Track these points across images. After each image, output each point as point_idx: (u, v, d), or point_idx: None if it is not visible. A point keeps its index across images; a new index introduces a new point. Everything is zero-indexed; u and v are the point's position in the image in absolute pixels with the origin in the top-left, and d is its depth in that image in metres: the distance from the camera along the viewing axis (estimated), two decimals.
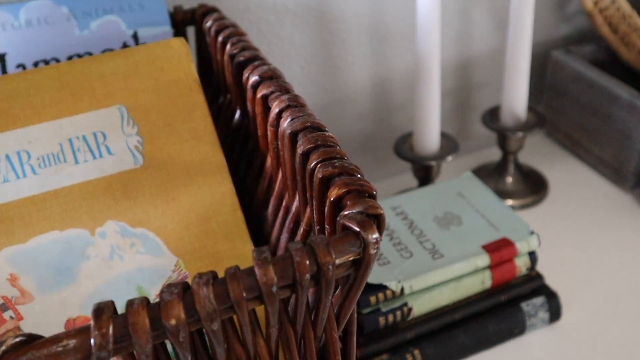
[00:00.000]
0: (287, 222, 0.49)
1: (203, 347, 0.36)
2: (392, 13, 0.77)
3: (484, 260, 0.59)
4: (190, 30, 0.64)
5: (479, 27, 0.83)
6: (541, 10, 0.85)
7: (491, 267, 0.60)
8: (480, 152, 0.87)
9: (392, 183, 0.83)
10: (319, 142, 0.42)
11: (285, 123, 0.45)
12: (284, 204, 0.50)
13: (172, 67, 0.51)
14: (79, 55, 0.57)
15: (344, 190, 0.38)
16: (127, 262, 0.48)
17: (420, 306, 0.58)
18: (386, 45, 0.79)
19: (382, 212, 0.37)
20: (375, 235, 0.36)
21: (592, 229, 0.74)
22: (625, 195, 0.78)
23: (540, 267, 0.68)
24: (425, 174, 0.73)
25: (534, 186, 0.79)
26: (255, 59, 0.52)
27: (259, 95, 0.49)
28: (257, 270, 0.34)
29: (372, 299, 0.56)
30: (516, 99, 0.74)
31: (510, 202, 0.78)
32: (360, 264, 0.36)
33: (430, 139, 0.71)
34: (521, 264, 0.61)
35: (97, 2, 0.57)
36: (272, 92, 0.48)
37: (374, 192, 0.38)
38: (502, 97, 0.75)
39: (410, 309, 0.58)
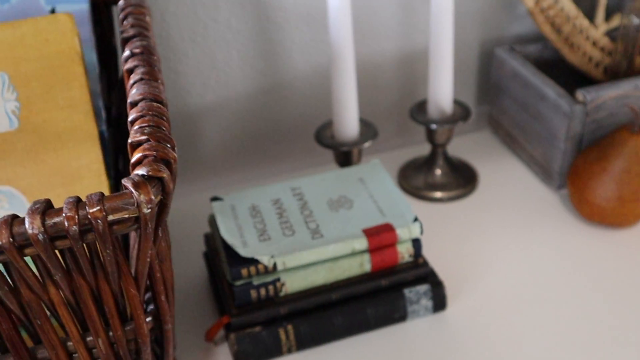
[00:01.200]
0: None
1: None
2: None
3: (362, 243, 0.60)
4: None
5: (425, 21, 0.84)
6: (491, 8, 0.85)
7: (370, 251, 0.61)
8: (422, 145, 0.88)
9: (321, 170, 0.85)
10: (144, 112, 0.45)
11: (129, 94, 0.48)
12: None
13: (57, 39, 0.55)
14: None
15: (140, 155, 0.41)
16: None
17: (293, 283, 0.60)
18: (325, 32, 0.81)
19: (164, 175, 0.39)
20: (149, 196, 0.38)
21: (511, 226, 0.74)
22: (553, 194, 0.78)
23: (449, 257, 0.69)
24: (344, 160, 0.74)
25: (463, 180, 0.80)
26: (137, 35, 0.55)
27: (125, 68, 0.52)
28: (27, 218, 0.37)
29: (244, 271, 0.59)
30: (441, 92, 0.74)
31: (438, 194, 0.78)
32: (140, 223, 0.39)
33: (348, 126, 0.73)
34: (403, 250, 0.62)
35: None
36: (135, 67, 0.52)
37: (171, 160, 0.41)
38: (428, 91, 0.75)
39: (283, 285, 0.60)
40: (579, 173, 0.71)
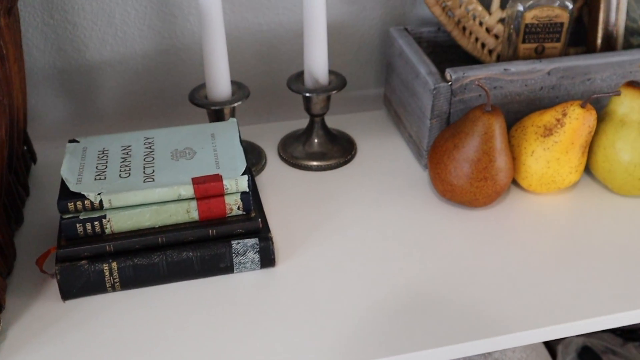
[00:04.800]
0: None
1: None
2: None
3: (188, 190, 0.62)
4: None
5: None
6: None
7: (197, 199, 0.63)
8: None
9: None
10: None
11: None
12: None
13: None
14: None
15: None
16: None
17: (119, 222, 0.63)
18: (223, 1, 0.83)
19: None
20: None
21: (374, 197, 0.75)
22: (422, 171, 0.79)
23: (301, 220, 0.71)
24: (217, 119, 0.77)
25: (341, 151, 0.81)
26: None
27: None
28: None
29: (71, 205, 0.61)
30: (315, 63, 0.76)
31: (315, 163, 0.80)
32: None
33: (219, 87, 0.75)
34: (232, 202, 0.64)
35: None
36: None
37: None
38: (303, 61, 0.77)
39: (109, 222, 0.62)
40: (435, 150, 0.72)
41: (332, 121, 0.88)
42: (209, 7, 0.71)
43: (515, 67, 0.74)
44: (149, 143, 0.69)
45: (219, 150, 0.67)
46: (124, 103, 0.87)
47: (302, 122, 0.88)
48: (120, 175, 0.64)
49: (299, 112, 0.93)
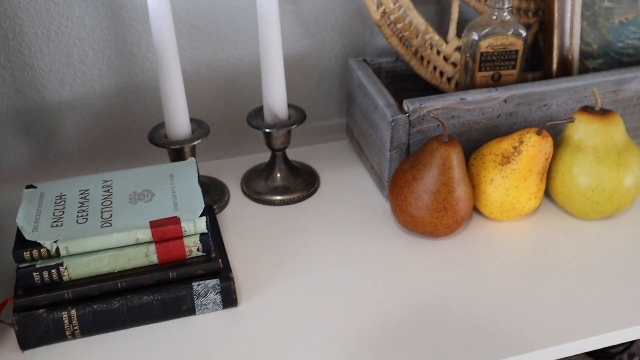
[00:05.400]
0: None
1: None
2: (182, 5, 0.82)
3: (146, 234, 0.62)
4: None
5: (283, 32, 0.86)
6: (352, 20, 0.87)
7: (156, 242, 0.63)
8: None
9: None
10: None
11: None
12: None
13: None
14: None
15: None
16: None
17: (77, 268, 0.62)
18: (182, 38, 0.83)
19: None
20: None
21: (337, 230, 0.75)
22: (385, 202, 0.79)
23: (264, 257, 0.71)
24: (178, 159, 0.76)
25: (303, 184, 0.81)
26: None
27: None
28: None
29: (27, 254, 0.61)
30: (274, 98, 0.76)
31: (278, 197, 0.80)
32: None
33: (178, 125, 0.75)
34: (191, 244, 0.64)
35: None
36: None
37: None
38: (262, 97, 0.77)
39: (66, 269, 0.62)
40: (395, 182, 0.72)
41: (295, 153, 0.89)
42: (164, 46, 0.71)
43: (472, 96, 0.75)
44: (107, 186, 0.69)
45: (177, 191, 0.67)
46: (86, 143, 0.86)
47: (266, 155, 0.88)
48: (77, 220, 0.64)
49: (261, 146, 0.93)
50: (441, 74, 0.84)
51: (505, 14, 0.77)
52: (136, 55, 0.83)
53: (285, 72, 0.88)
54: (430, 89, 0.88)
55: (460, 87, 0.82)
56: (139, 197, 0.67)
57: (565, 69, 0.86)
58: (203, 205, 0.65)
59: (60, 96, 0.83)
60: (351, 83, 0.84)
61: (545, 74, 0.86)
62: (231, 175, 0.85)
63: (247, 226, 0.77)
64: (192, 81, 0.86)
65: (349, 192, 0.82)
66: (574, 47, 0.85)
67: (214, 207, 0.79)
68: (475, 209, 0.78)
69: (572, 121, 0.72)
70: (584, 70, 0.87)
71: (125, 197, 0.67)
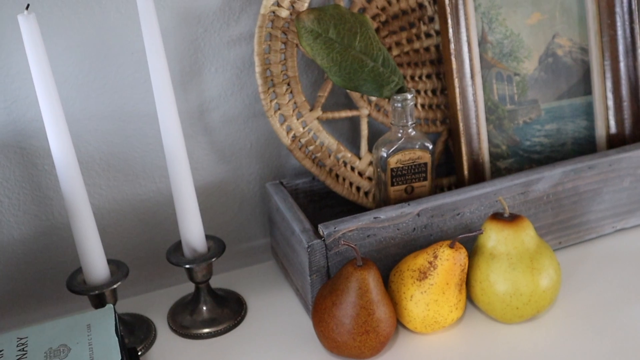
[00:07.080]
0: None
1: None
2: (94, 146, 0.82)
3: None
4: None
5: (200, 162, 0.87)
6: (267, 143, 0.89)
7: None
8: None
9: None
10: None
11: None
12: None
13: None
14: None
15: None
16: None
17: None
18: (97, 177, 0.84)
19: None
20: None
21: (267, 358, 0.75)
22: (312, 325, 0.79)
23: None
24: (99, 303, 0.75)
25: (230, 313, 0.81)
26: None
27: None
28: None
29: None
30: (190, 233, 0.77)
31: (206, 330, 0.79)
32: None
33: (96, 269, 0.74)
34: None
35: None
36: None
37: None
38: (180, 232, 0.78)
39: None
40: (316, 308, 0.72)
41: (221, 279, 0.88)
42: (72, 196, 0.71)
43: (385, 214, 0.77)
44: (22, 344, 0.67)
45: (94, 344, 0.66)
46: (4, 290, 0.85)
47: (191, 286, 0.87)
48: None
49: (186, 278, 0.92)
50: (358, 189, 0.86)
51: (410, 130, 0.79)
52: (52, 199, 0.83)
53: (204, 199, 0.89)
54: (350, 203, 0.89)
55: (375, 200, 0.84)
56: (55, 353, 0.65)
57: (478, 173, 0.88)
58: (119, 358, 0.64)
59: None
60: (270, 207, 0.86)
61: (459, 180, 0.89)
62: (157, 310, 0.84)
63: None
64: (112, 217, 0.86)
65: (277, 315, 0.81)
66: (483, 150, 0.88)
67: (140, 347, 0.77)
68: (401, 323, 0.78)
69: (481, 233, 0.74)
70: (495, 171, 0.90)
71: (40, 355, 0.65)
